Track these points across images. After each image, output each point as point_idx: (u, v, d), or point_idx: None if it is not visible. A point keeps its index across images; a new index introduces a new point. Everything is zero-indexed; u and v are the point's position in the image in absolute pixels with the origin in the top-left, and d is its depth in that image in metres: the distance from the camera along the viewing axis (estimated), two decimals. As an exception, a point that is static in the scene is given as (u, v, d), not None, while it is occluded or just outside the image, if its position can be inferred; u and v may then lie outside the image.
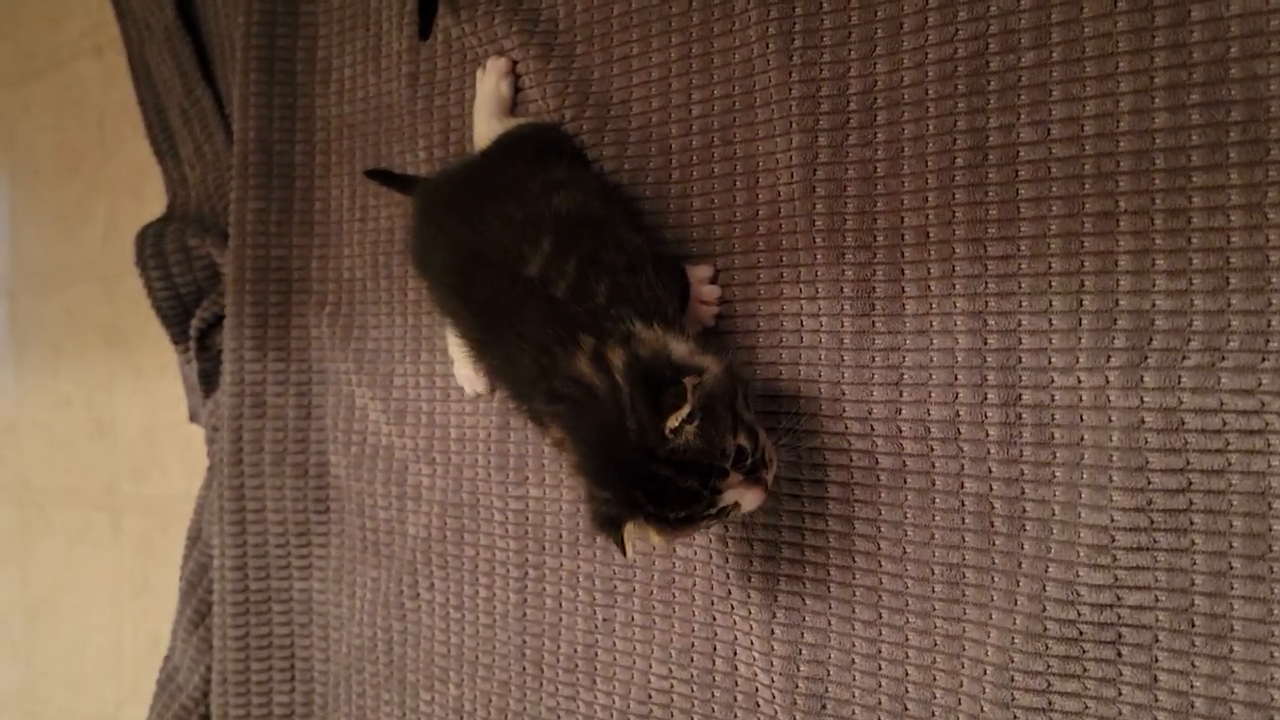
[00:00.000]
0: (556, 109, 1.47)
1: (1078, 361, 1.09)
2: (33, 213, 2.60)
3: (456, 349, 1.58)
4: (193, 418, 2.04)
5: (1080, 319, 1.09)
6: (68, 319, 2.50)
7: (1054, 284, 1.10)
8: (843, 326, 1.24)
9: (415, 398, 1.69)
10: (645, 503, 1.08)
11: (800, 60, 1.28)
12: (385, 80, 1.74)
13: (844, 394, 1.24)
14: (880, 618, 1.23)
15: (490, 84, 1.55)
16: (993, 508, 1.15)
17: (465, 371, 1.60)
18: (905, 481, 1.20)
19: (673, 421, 1.03)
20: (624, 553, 1.12)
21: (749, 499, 1.11)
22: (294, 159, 1.84)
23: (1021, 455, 1.13)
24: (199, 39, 2.04)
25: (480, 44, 1.57)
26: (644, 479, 1.07)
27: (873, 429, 1.22)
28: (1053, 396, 1.11)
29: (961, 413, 1.16)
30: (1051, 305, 1.10)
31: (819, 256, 1.25)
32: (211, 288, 1.97)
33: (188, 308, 1.98)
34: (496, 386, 1.58)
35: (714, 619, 1.37)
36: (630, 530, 1.11)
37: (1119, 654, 1.07)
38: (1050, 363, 1.11)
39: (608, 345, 1.10)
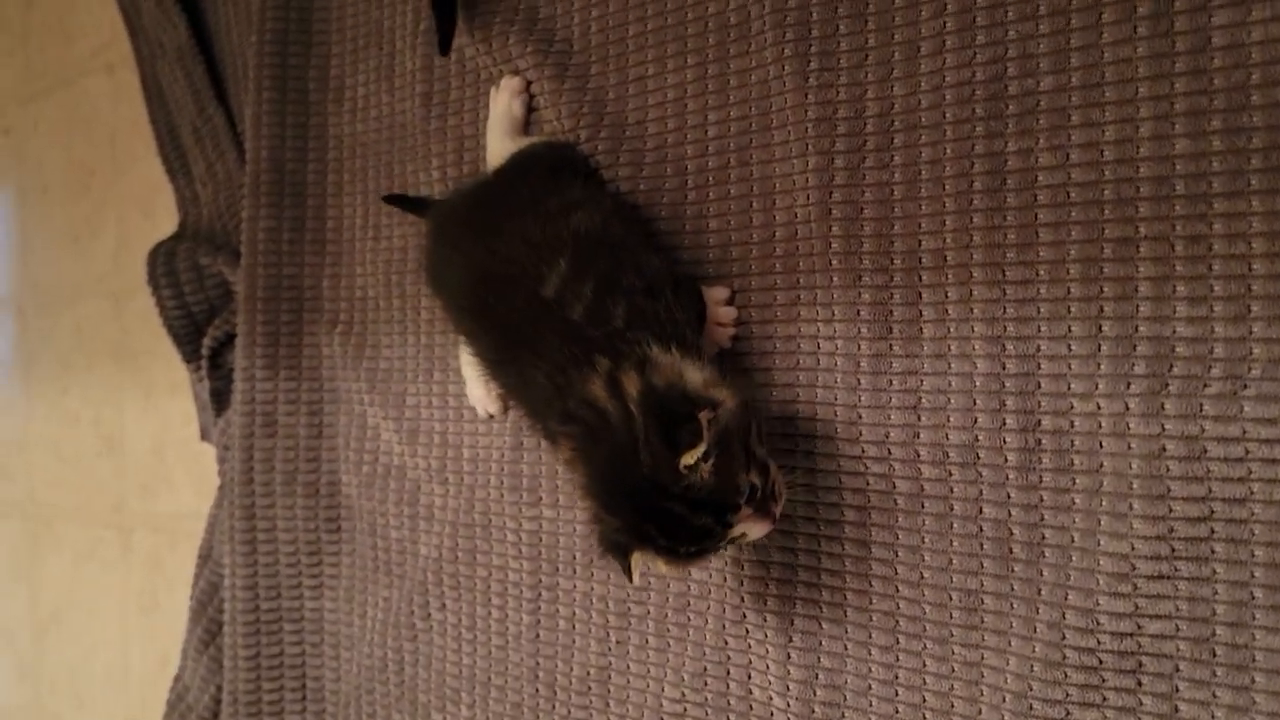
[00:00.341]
0: (571, 129, 1.47)
1: (1097, 388, 1.08)
2: (43, 229, 2.60)
3: (469, 369, 1.59)
4: (204, 436, 2.04)
5: (1100, 345, 1.08)
6: (77, 335, 2.49)
7: (1073, 309, 1.10)
8: (860, 350, 1.23)
9: (428, 417, 1.69)
10: (657, 536, 1.08)
11: (817, 82, 1.27)
12: (399, 99, 1.74)
13: (861, 418, 1.23)
14: (897, 643, 1.23)
15: (504, 103, 1.55)
16: (1011, 534, 1.14)
17: (478, 392, 1.59)
18: (923, 506, 1.20)
19: (688, 459, 1.03)
20: (630, 579, 1.13)
21: (755, 529, 1.12)
22: (306, 177, 1.84)
23: (1041, 481, 1.12)
24: (211, 57, 2.04)
25: (494, 63, 1.57)
26: (656, 514, 1.07)
27: (890, 453, 1.22)
28: (1072, 423, 1.10)
29: (980, 438, 1.16)
30: (1070, 331, 1.10)
31: (835, 279, 1.25)
32: (224, 306, 1.97)
33: (199, 326, 1.98)
34: (511, 406, 1.57)
35: (728, 642, 1.37)
36: (638, 559, 1.12)
37: (1139, 683, 1.07)
38: (1069, 389, 1.10)
39: (623, 370, 1.10)
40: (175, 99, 2.06)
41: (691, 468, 1.04)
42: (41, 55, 2.58)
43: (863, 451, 1.24)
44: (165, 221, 2.14)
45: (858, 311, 1.23)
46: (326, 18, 1.85)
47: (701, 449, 1.03)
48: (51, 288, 2.57)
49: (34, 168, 2.61)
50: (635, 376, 1.09)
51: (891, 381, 1.21)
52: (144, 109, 2.16)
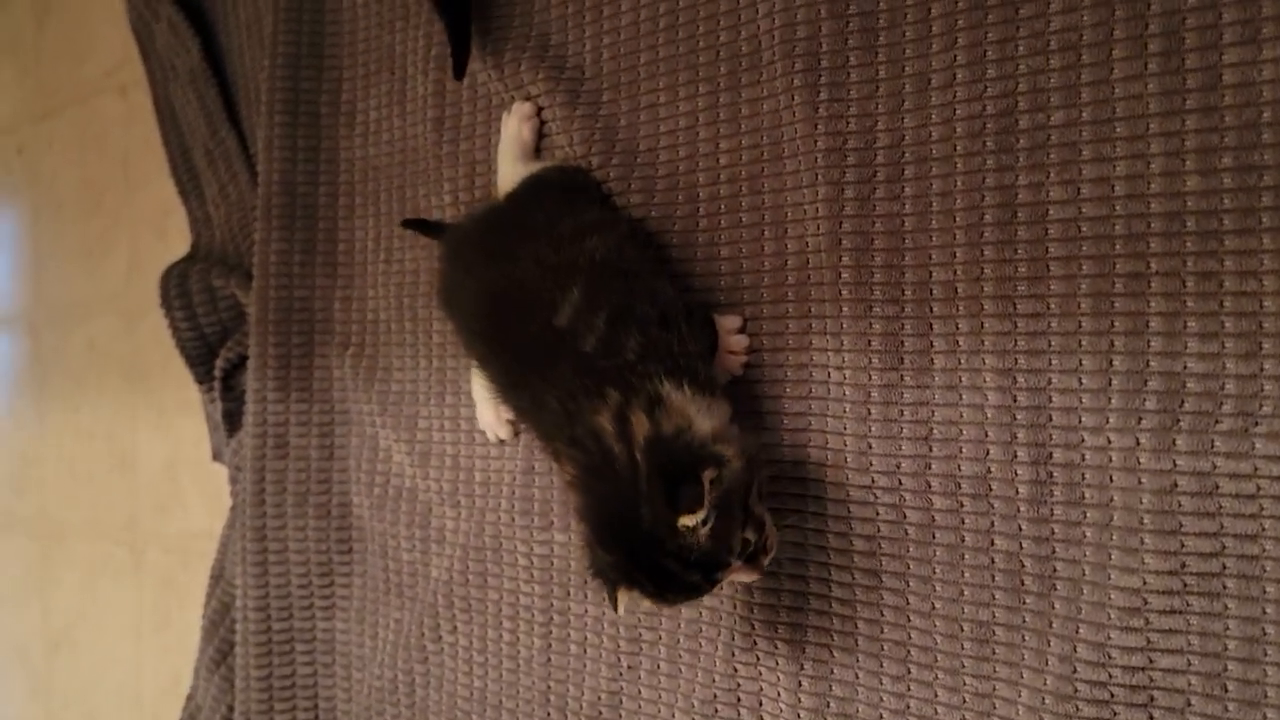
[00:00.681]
0: (583, 155, 1.48)
1: (1108, 422, 1.09)
2: (56, 246, 2.61)
3: (481, 393, 1.59)
4: (216, 456, 2.05)
5: (1110, 379, 1.09)
6: (89, 353, 2.50)
7: (1084, 343, 1.10)
8: (870, 379, 1.24)
9: (440, 440, 1.69)
10: (645, 583, 1.11)
11: (827, 112, 1.28)
12: (410, 124, 1.75)
13: (872, 447, 1.24)
14: (909, 673, 1.23)
15: (514, 128, 1.55)
16: (1023, 566, 1.15)
17: (489, 417, 1.60)
18: (934, 537, 1.20)
19: (687, 521, 1.05)
20: (615, 610, 1.16)
21: (742, 577, 1.17)
22: (318, 200, 1.85)
23: (1052, 514, 1.13)
24: (224, 80, 2.05)
25: (506, 89, 1.58)
26: (648, 565, 1.10)
27: (901, 483, 1.22)
28: (1083, 456, 1.11)
29: (992, 469, 1.16)
30: (1081, 365, 1.10)
31: (846, 309, 1.25)
32: (236, 328, 1.97)
33: (212, 348, 1.99)
34: (522, 428, 1.58)
35: (739, 669, 1.37)
36: (624, 595, 1.14)
37: (1150, 716, 1.07)
38: (1080, 422, 1.11)
39: (632, 407, 1.11)
40: (188, 121, 2.07)
41: (690, 529, 1.06)
42: (54, 74, 2.59)
43: (873, 481, 1.24)
44: (178, 241, 2.15)
45: (869, 341, 1.24)
46: (338, 42, 1.85)
47: (701, 514, 1.05)
48: (64, 305, 2.58)
49: (47, 186, 2.63)
50: (644, 418, 1.10)
51: (903, 412, 1.22)
52: (157, 130, 2.17)
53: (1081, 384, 1.10)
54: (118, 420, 2.42)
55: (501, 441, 1.60)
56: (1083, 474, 1.11)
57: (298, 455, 1.83)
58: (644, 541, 1.08)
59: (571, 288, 1.20)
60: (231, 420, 1.95)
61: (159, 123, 2.15)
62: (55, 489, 2.64)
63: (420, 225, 1.69)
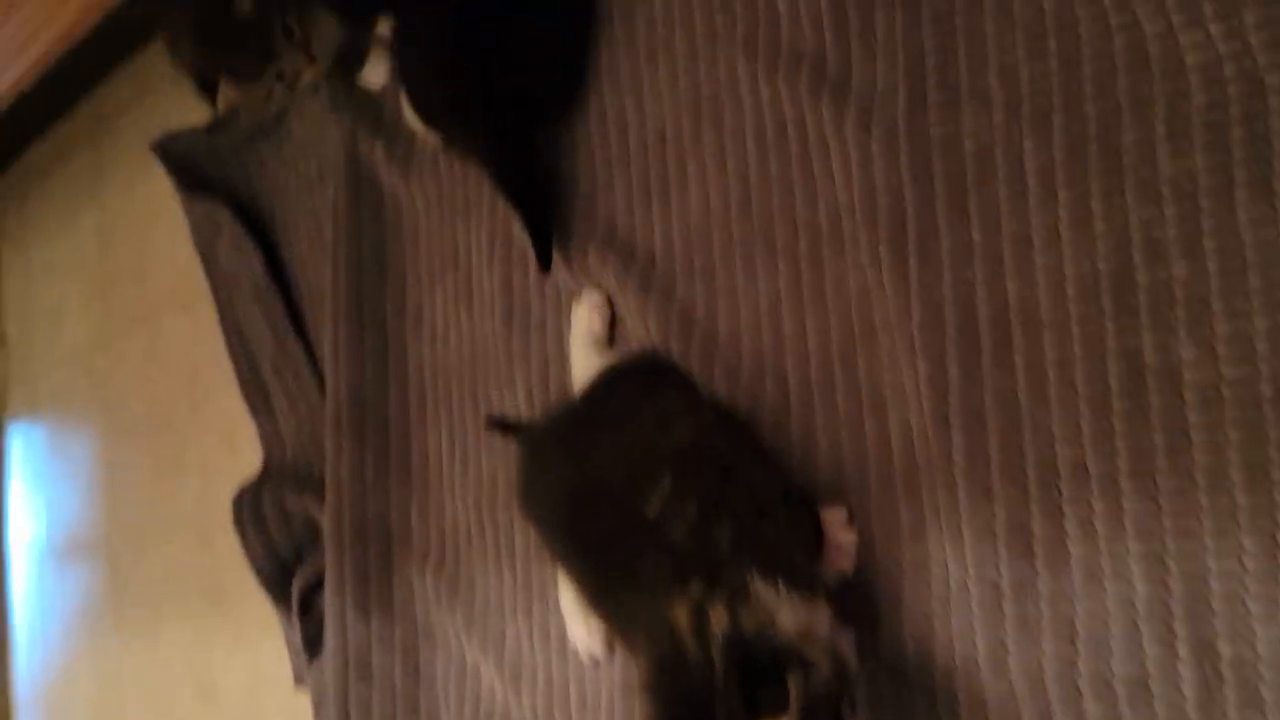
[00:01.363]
0: (661, 342, 1.40)
1: (1282, 610, 0.96)
2: (128, 468, 2.59)
3: (570, 606, 1.49)
4: (298, 680, 1.96)
5: (1279, 557, 0.96)
6: (166, 577, 2.46)
7: (1242, 520, 0.98)
8: (999, 573, 1.11)
9: (530, 656, 1.58)
10: None
11: (919, 283, 1.19)
12: (478, 320, 1.69)
13: (1007, 649, 1.11)
14: None
15: (585, 317, 1.48)
16: (1200, 779, 1.01)
17: (579, 632, 1.49)
18: (1090, 748, 1.07)
19: None
20: None
21: None
22: (388, 408, 1.78)
23: (1226, 717, 0.99)
24: (288, 293, 2.03)
25: (574, 278, 1.51)
26: None
27: (1045, 688, 1.09)
28: (1255, 650, 0.97)
29: (1150, 670, 1.03)
30: (1242, 546, 0.98)
31: (963, 495, 1.14)
32: (312, 547, 1.91)
33: (288, 570, 1.93)
34: (614, 641, 1.47)
35: None
36: None
37: None
38: (1248, 610, 0.98)
39: (713, 600, 1.01)
40: (254, 335, 2.05)
41: None
42: (120, 295, 2.61)
43: (1011, 685, 1.11)
44: (249, 455, 2.11)
45: (993, 531, 1.12)
46: (400, 243, 1.82)
47: None
48: (139, 527, 2.55)
49: (117, 408, 2.62)
50: (724, 613, 1.00)
51: (1040, 607, 1.09)
52: (223, 345, 2.15)
53: (1244, 566, 0.98)
54: (197, 644, 2.36)
55: (596, 661, 1.49)
56: (1257, 671, 0.97)
57: (382, 680, 1.73)
58: None
59: (660, 477, 1.12)
60: (312, 645, 1.87)
61: (225, 338, 2.13)
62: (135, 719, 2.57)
63: (502, 425, 1.61)
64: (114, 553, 2.65)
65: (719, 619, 1.00)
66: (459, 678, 1.69)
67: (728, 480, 1.13)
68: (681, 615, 1.02)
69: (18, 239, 3.08)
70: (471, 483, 1.69)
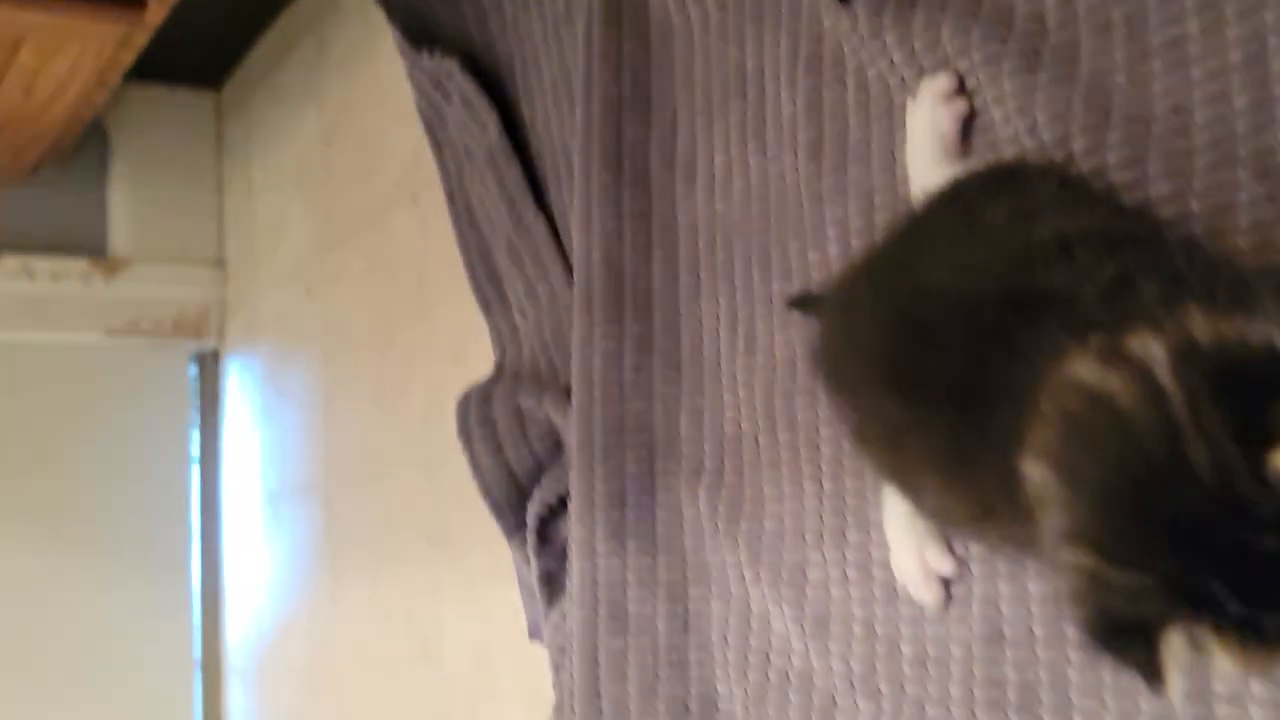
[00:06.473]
0: (1057, 139, 1.02)
1: None
2: (348, 393, 2.45)
3: (898, 526, 1.12)
4: (533, 633, 1.71)
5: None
6: (386, 518, 2.28)
7: None
8: None
9: (842, 598, 1.23)
10: (1224, 597, 0.65)
11: None
12: (773, 159, 1.34)
13: None
14: None
15: (926, 115, 1.12)
16: None
17: (909, 563, 1.12)
18: None
19: None
20: (1154, 684, 0.67)
21: None
22: (652, 283, 1.49)
23: None
24: (528, 161, 1.79)
25: (911, 64, 1.15)
26: (1219, 555, 0.65)
27: None
28: None
29: None
30: None
31: None
32: (553, 462, 1.67)
33: (523, 490, 1.69)
34: (972, 553, 1.08)
35: None
36: (1176, 645, 0.67)
37: None
38: None
39: (1131, 336, 0.73)
40: (486, 213, 1.83)
41: None
42: (344, 198, 2.47)
43: None
44: (479, 367, 1.88)
45: None
46: (668, 77, 1.50)
47: None
48: (358, 461, 2.41)
49: (338, 327, 2.50)
50: (1155, 340, 0.71)
51: None
52: (452, 241, 1.94)
53: None
54: (419, 595, 2.17)
55: (945, 591, 1.10)
56: None
57: (640, 629, 1.44)
58: (1202, 513, 0.65)
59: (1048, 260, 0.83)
60: (551, 584, 1.62)
61: (453, 222, 1.91)
62: (353, 686, 2.40)
63: (805, 301, 1.28)
64: (330, 494, 2.52)
65: (1151, 345, 0.71)
66: (740, 628, 1.37)
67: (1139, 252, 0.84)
68: (1087, 371, 0.74)
69: (240, 155, 3.00)
70: (759, 374, 1.37)
